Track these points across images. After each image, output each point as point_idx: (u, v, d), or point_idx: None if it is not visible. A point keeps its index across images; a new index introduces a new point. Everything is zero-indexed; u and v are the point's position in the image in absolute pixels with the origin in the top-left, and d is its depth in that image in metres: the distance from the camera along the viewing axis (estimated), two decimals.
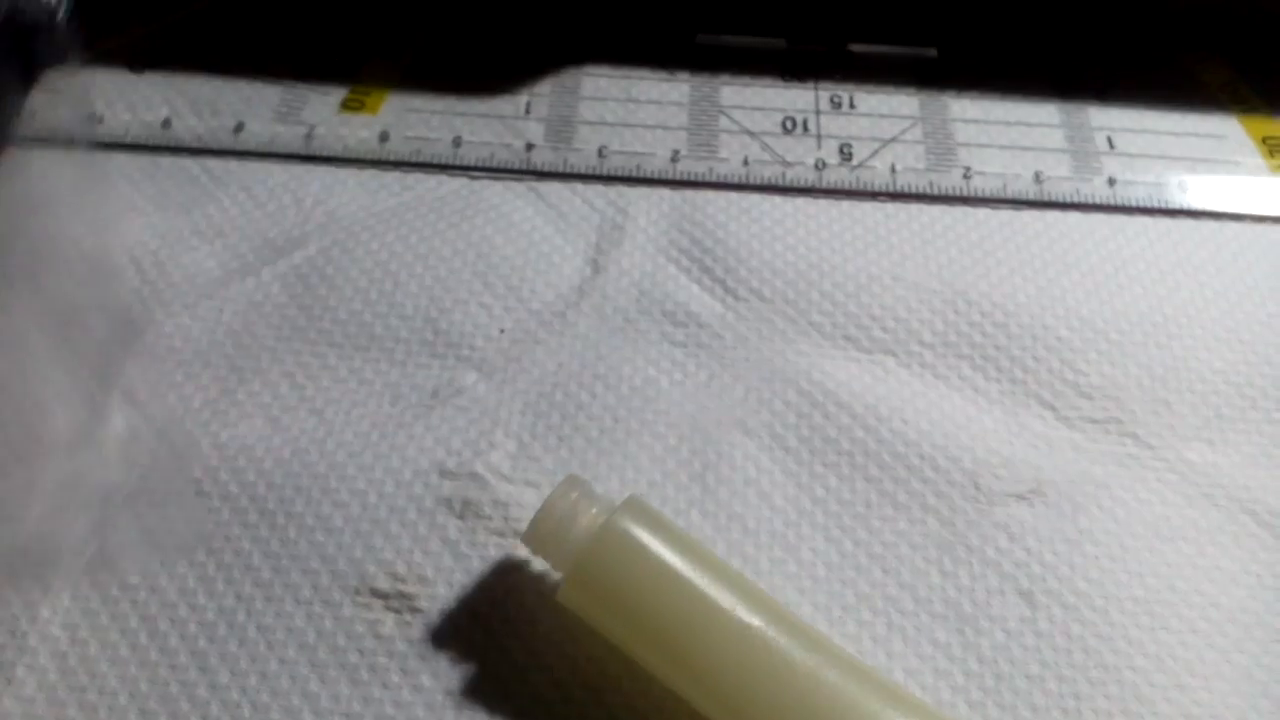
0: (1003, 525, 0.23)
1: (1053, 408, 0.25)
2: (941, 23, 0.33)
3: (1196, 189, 0.29)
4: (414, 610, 0.21)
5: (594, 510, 0.20)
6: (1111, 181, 0.29)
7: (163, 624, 0.21)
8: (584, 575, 0.20)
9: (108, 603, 0.21)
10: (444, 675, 0.21)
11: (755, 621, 0.19)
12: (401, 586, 0.22)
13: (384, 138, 0.30)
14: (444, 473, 0.23)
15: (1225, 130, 0.31)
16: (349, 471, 0.23)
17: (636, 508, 0.20)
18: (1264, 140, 0.30)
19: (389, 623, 0.21)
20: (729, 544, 0.23)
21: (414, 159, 0.29)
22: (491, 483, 0.23)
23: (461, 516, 0.23)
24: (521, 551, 0.22)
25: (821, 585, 0.22)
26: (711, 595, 0.19)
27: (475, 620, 0.21)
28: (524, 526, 0.22)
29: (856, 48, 0.33)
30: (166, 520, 0.22)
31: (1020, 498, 0.24)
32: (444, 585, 0.22)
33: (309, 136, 0.29)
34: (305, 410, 0.24)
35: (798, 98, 0.31)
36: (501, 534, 0.22)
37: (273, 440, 0.24)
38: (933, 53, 0.33)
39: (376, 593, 0.22)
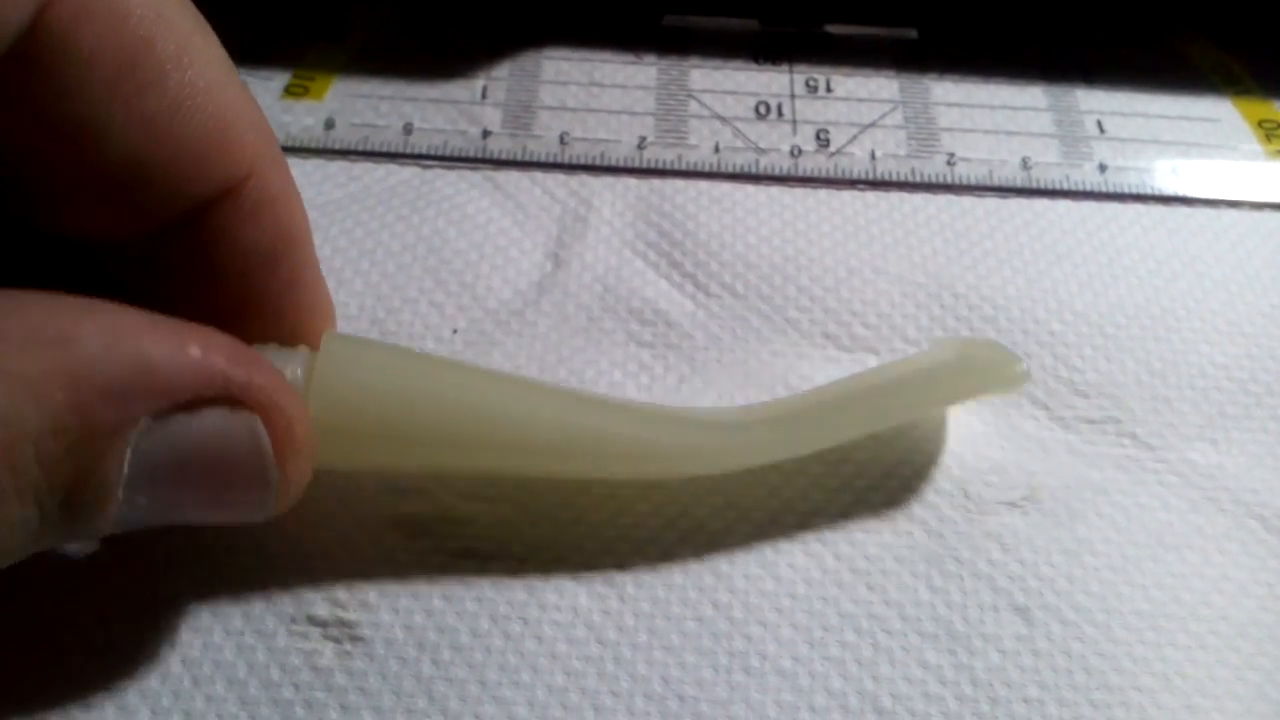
0: (995, 535, 0.21)
1: (1046, 407, 0.23)
2: (921, 2, 0.32)
3: (1191, 175, 0.28)
4: (355, 639, 0.19)
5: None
6: (1102, 167, 0.28)
7: (76, 658, 0.19)
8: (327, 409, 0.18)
9: None
10: (387, 711, 0.19)
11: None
12: (341, 613, 0.20)
13: (329, 125, 0.28)
14: (390, 488, 0.21)
15: (1219, 113, 0.29)
16: None
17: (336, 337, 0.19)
18: (1260, 124, 0.29)
19: (327, 653, 0.19)
20: (701, 558, 0.21)
21: (361, 147, 0.27)
22: (443, 498, 0.21)
23: (409, 535, 0.21)
24: (472, 573, 0.20)
25: (801, 604, 0.20)
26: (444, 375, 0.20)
27: (423, 650, 0.19)
28: (479, 545, 0.20)
29: (833, 28, 0.31)
30: None
31: (1013, 505, 0.22)
32: (388, 611, 0.20)
33: None
34: None
35: (771, 81, 0.29)
36: (453, 554, 0.20)
37: None
38: (913, 33, 0.31)
39: (314, 620, 0.20)
